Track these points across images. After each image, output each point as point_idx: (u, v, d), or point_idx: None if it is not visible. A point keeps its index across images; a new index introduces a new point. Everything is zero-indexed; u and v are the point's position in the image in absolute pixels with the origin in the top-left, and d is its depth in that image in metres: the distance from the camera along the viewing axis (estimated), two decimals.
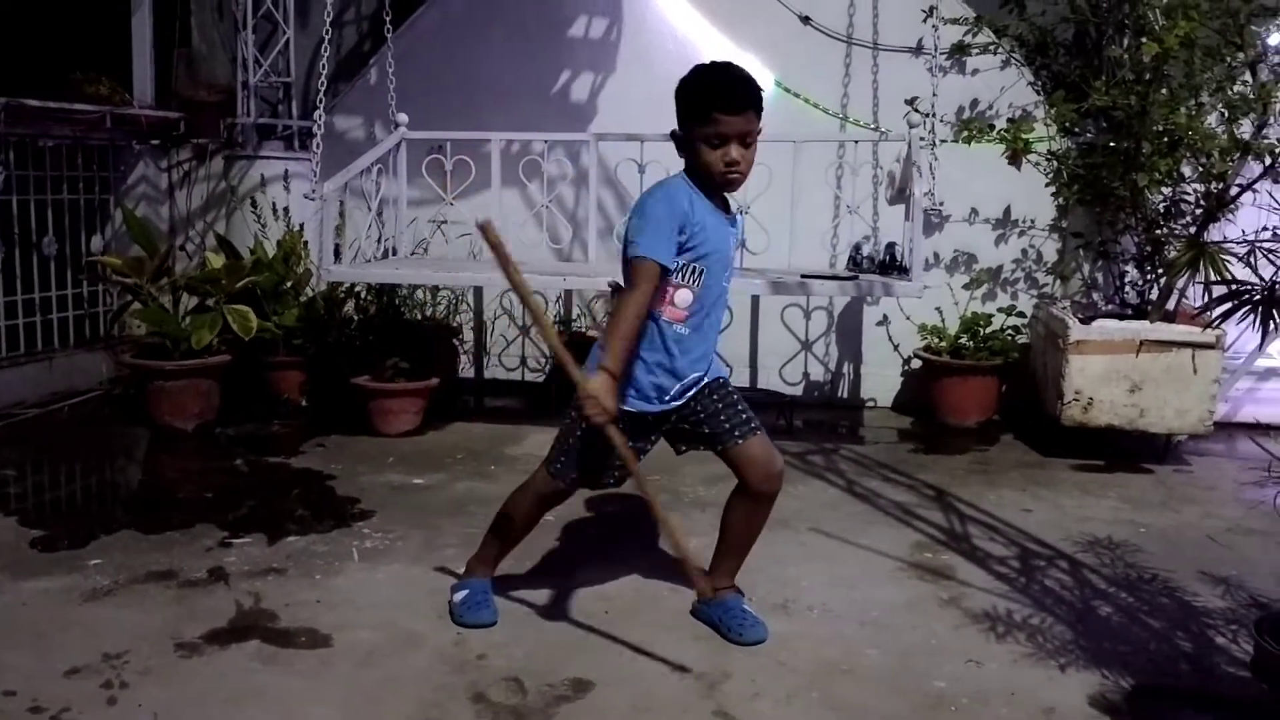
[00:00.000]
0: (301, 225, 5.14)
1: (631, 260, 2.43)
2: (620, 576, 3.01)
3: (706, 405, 2.61)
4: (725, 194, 2.57)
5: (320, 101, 4.64)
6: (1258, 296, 1.95)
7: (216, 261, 4.92)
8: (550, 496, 2.70)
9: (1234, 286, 2.03)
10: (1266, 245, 2.03)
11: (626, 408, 2.51)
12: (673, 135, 2.54)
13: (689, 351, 2.53)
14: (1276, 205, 2.20)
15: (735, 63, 2.54)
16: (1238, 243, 2.28)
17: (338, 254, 4.79)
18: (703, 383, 2.60)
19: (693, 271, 2.48)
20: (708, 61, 2.56)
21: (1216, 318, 2.18)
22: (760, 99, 2.48)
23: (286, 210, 5.29)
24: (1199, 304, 4.18)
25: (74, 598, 2.82)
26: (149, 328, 4.82)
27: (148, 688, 2.34)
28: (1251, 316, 1.99)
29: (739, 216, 2.68)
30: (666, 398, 2.56)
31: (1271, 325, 2.01)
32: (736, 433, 2.59)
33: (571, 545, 3.28)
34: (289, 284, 5.04)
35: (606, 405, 2.35)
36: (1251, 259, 2.03)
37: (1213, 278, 3.25)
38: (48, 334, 5.17)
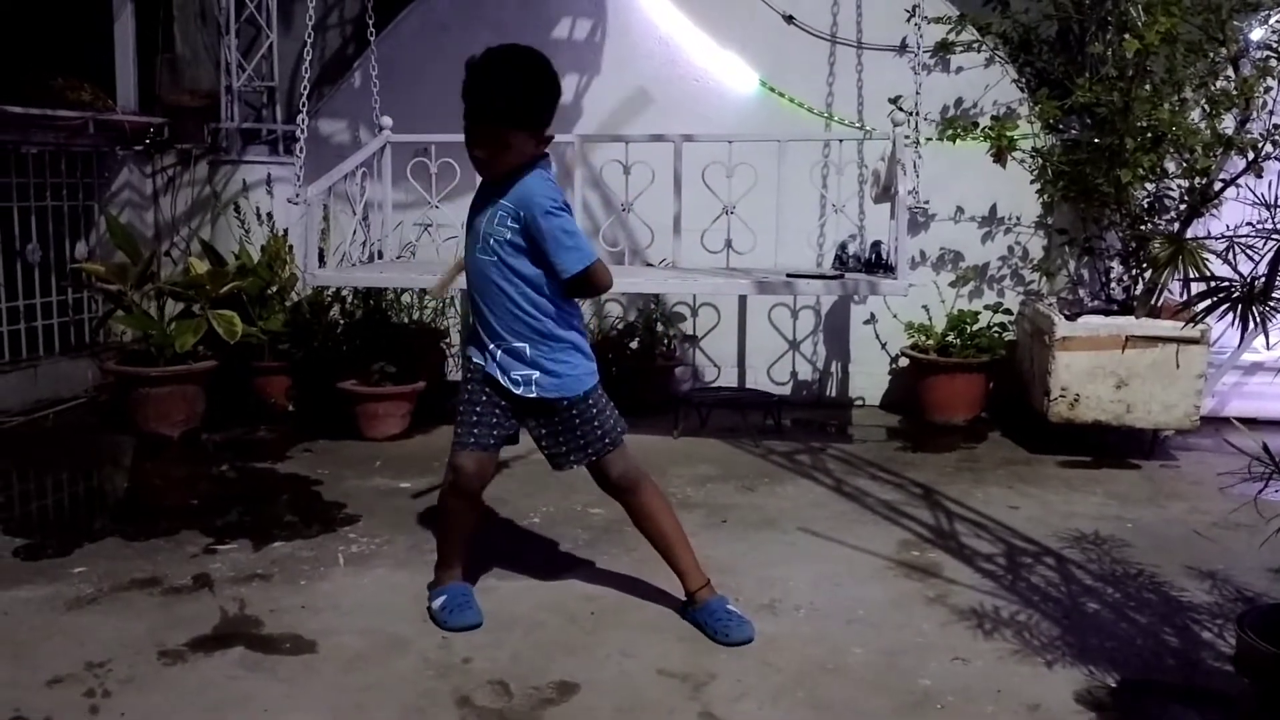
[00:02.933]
0: (286, 230, 5.13)
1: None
2: (605, 578, 3.01)
3: (548, 427, 2.66)
4: (496, 177, 2.59)
5: (304, 105, 4.62)
6: (1236, 293, 1.96)
7: (200, 267, 4.90)
8: (466, 472, 2.67)
9: (1213, 283, 2.04)
10: (1245, 241, 2.03)
11: (473, 360, 2.70)
12: None
13: (477, 323, 2.66)
14: (1258, 200, 2.19)
15: (511, 59, 2.54)
16: (1217, 239, 2.27)
17: (323, 258, 4.78)
18: (533, 392, 2.60)
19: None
20: (497, 50, 2.57)
21: (1198, 313, 2.18)
22: (500, 112, 2.48)
23: (271, 215, 5.28)
24: (1181, 299, 4.20)
25: (57, 606, 2.80)
26: (134, 334, 4.80)
27: (130, 696, 2.33)
28: (1231, 313, 1.99)
29: (520, 188, 2.54)
30: (484, 360, 2.64)
31: (1251, 322, 2.01)
32: (573, 458, 2.68)
33: (556, 548, 3.28)
34: (274, 289, 5.02)
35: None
36: (1230, 255, 2.03)
37: (1193, 274, 3.26)
38: (32, 341, 5.14)
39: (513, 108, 2.49)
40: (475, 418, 2.65)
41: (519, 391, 2.60)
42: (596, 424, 2.64)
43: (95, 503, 3.99)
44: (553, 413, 2.62)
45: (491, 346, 2.62)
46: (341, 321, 5.12)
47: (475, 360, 2.67)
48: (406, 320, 5.25)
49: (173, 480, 4.08)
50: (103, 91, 5.43)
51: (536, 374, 2.59)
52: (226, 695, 2.34)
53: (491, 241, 2.56)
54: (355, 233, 4.77)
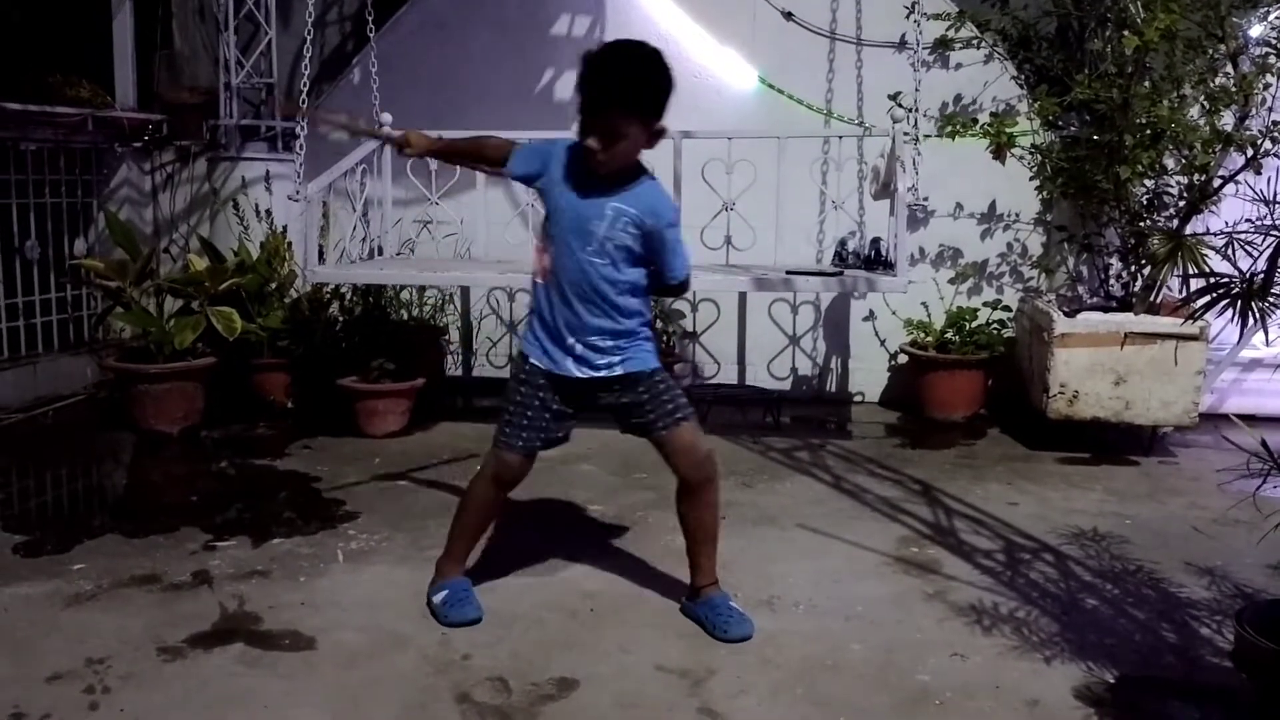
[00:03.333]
0: (285, 227, 5.12)
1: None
2: (604, 574, 3.01)
3: (630, 398, 2.63)
4: (610, 172, 2.53)
5: (303, 102, 4.62)
6: (1236, 289, 1.96)
7: (200, 264, 4.90)
8: (503, 473, 2.68)
9: (1211, 279, 2.04)
10: (1244, 237, 2.03)
11: (529, 357, 2.64)
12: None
13: (554, 314, 2.58)
14: (1257, 196, 2.19)
15: (638, 54, 2.49)
16: (1216, 235, 2.27)
17: (322, 255, 4.77)
18: (616, 371, 2.60)
19: (548, 235, 2.59)
20: (624, 43, 2.54)
21: (1196, 310, 2.18)
22: (629, 100, 2.44)
23: (270, 212, 5.27)
24: (1180, 296, 4.20)
25: (56, 603, 2.80)
26: (133, 331, 4.80)
27: (130, 693, 2.33)
28: (1230, 309, 1.99)
29: (644, 196, 2.54)
30: (557, 358, 2.60)
31: (1250, 318, 2.01)
32: (660, 424, 2.63)
33: (555, 544, 3.27)
34: (273, 285, 5.02)
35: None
36: (1230, 251, 2.03)
37: (1192, 271, 3.26)
38: (31, 338, 5.14)
39: (629, 95, 2.45)
40: (526, 420, 2.64)
41: (603, 374, 2.60)
42: (677, 391, 2.67)
43: (94, 500, 3.98)
44: (638, 383, 2.62)
45: (571, 340, 2.58)
46: (341, 318, 5.12)
47: (538, 362, 2.62)
48: (406, 317, 5.25)
49: (172, 477, 4.08)
50: (101, 88, 5.42)
51: (618, 357, 2.61)
52: (226, 692, 2.35)
53: (609, 246, 2.53)
54: (355, 229, 4.77)
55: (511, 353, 5.58)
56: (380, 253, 5.03)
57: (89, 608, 2.78)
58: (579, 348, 2.59)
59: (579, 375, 2.60)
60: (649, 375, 2.64)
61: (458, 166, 4.16)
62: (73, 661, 2.46)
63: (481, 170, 2.99)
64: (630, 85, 2.46)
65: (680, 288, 2.71)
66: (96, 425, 4.76)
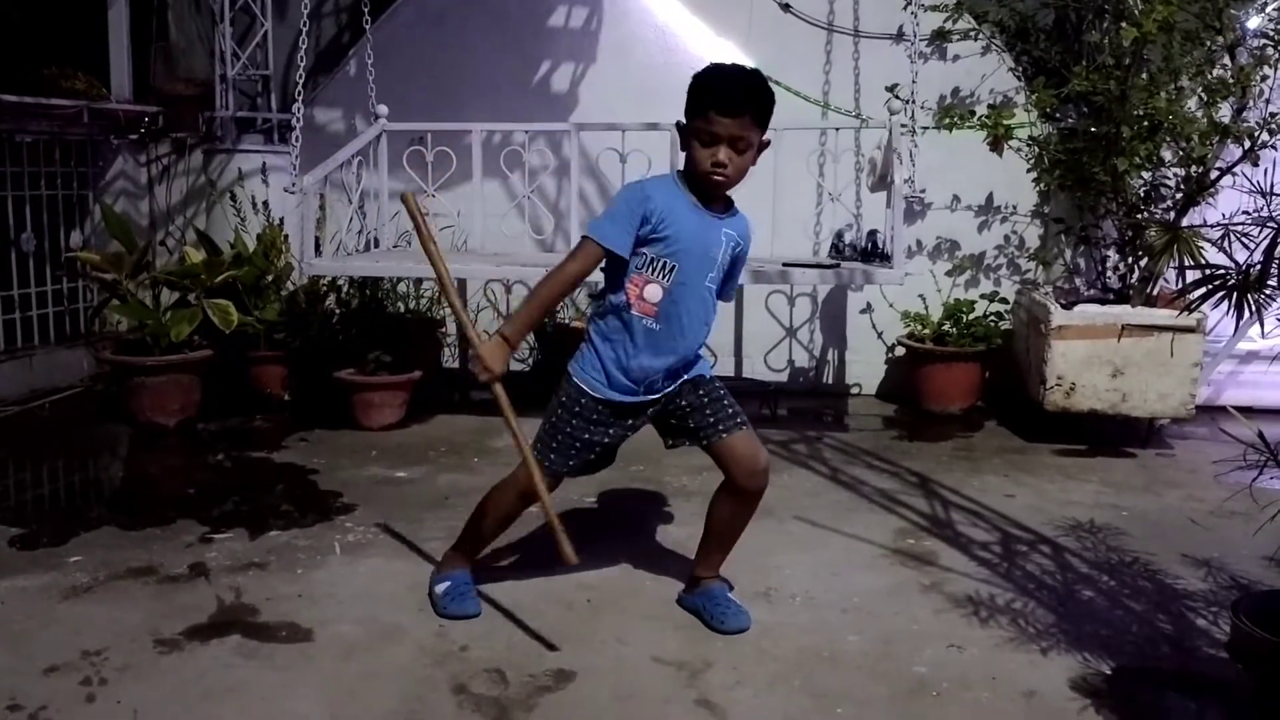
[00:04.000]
0: (282, 219, 5.11)
1: (582, 237, 2.52)
2: (601, 566, 3.01)
3: (691, 400, 2.61)
4: (722, 194, 2.54)
5: (299, 94, 4.61)
6: (1232, 281, 1.96)
7: (196, 256, 4.89)
8: (532, 494, 2.65)
9: (1207, 271, 2.04)
10: (1240, 229, 2.03)
11: (589, 391, 2.56)
12: (678, 125, 2.54)
13: (656, 347, 2.52)
14: (1254, 189, 2.19)
15: (755, 69, 2.51)
16: (1212, 227, 2.27)
17: (319, 247, 4.77)
18: (681, 379, 2.60)
19: (662, 266, 2.48)
20: (727, 62, 2.55)
21: (1192, 301, 2.18)
22: (763, 106, 2.46)
23: (266, 204, 5.27)
24: (1177, 287, 4.20)
25: (53, 595, 2.80)
26: (129, 323, 4.79)
27: (127, 684, 2.33)
28: (1226, 301, 1.99)
29: (741, 220, 2.60)
30: (631, 389, 2.56)
31: (1246, 310, 2.01)
32: (721, 428, 2.59)
33: (551, 536, 3.27)
34: (270, 278, 5.01)
35: (491, 366, 2.45)
36: (1226, 243, 2.03)
37: (1188, 263, 3.26)
38: (27, 331, 5.13)
39: (760, 106, 2.46)
40: (574, 451, 2.60)
41: (690, 375, 2.61)
42: (733, 398, 2.67)
43: (91, 492, 3.98)
44: (701, 386, 2.62)
45: (674, 363, 2.56)
46: (337, 311, 5.11)
47: (602, 395, 2.56)
48: (403, 309, 5.25)
49: (169, 469, 4.08)
50: (97, 81, 5.40)
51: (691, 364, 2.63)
52: (223, 683, 2.35)
53: (718, 269, 2.56)
54: (351, 221, 4.77)
55: None
56: (377, 245, 5.03)
57: (86, 600, 2.78)
58: (660, 380, 2.58)
59: (646, 399, 2.59)
60: (709, 380, 2.64)
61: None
62: (69, 653, 2.46)
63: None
64: (760, 96, 2.46)
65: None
66: (93, 418, 4.76)
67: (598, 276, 2.60)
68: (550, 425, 2.60)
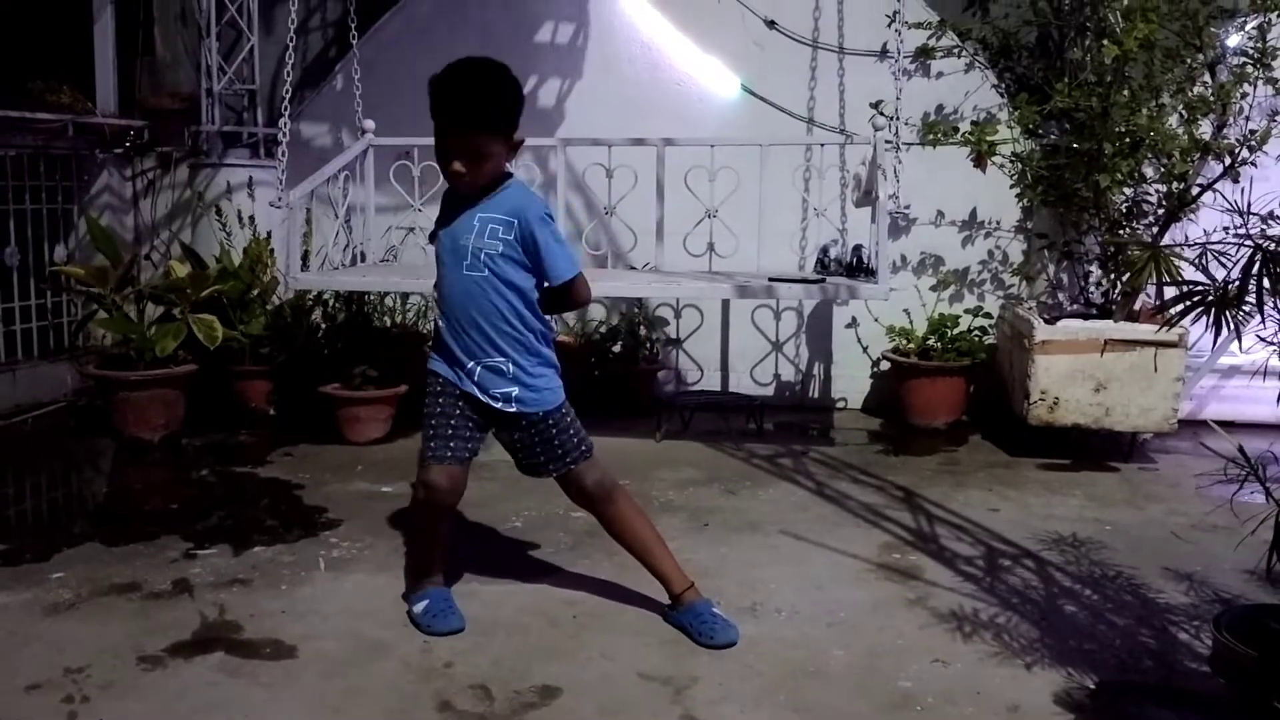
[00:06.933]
0: (268, 233, 5.11)
1: None
2: (586, 582, 3.01)
3: (523, 437, 2.66)
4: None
5: (285, 108, 4.61)
6: (1210, 297, 1.98)
7: (181, 270, 4.88)
8: (441, 488, 2.66)
9: (1185, 288, 2.06)
10: (1217, 247, 2.06)
11: (432, 367, 2.69)
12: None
13: (448, 339, 2.62)
14: (1230, 206, 2.21)
15: (490, 66, 2.52)
16: (1190, 245, 2.30)
17: (305, 262, 4.76)
18: (512, 408, 2.61)
19: (438, 260, 2.63)
20: (470, 59, 2.54)
21: (1170, 318, 2.20)
22: (489, 115, 2.48)
23: (252, 218, 5.26)
24: (1157, 303, 4.23)
25: (35, 612, 2.78)
26: (113, 338, 4.77)
27: (109, 702, 2.32)
28: (1205, 317, 2.01)
29: (507, 197, 2.57)
30: (448, 367, 2.64)
31: (1225, 327, 2.03)
32: (552, 468, 2.69)
33: (537, 552, 3.28)
34: (255, 292, 5.01)
35: None
36: (1203, 260, 2.05)
37: (1166, 279, 3.28)
38: (10, 345, 5.10)
39: (489, 114, 2.49)
40: (450, 431, 2.64)
41: (498, 406, 2.61)
42: (571, 432, 2.67)
43: (74, 507, 3.96)
44: (530, 425, 2.64)
45: (470, 365, 2.60)
46: (323, 325, 5.10)
47: (446, 376, 2.65)
48: (389, 324, 5.24)
49: (153, 485, 4.06)
50: (82, 94, 5.39)
51: (516, 389, 2.61)
52: (206, 700, 2.34)
53: (483, 255, 2.54)
54: (337, 236, 4.76)
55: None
56: (363, 259, 5.02)
57: (68, 617, 2.76)
58: (478, 371, 2.61)
59: (480, 399, 2.62)
60: (540, 419, 2.64)
61: None
62: (51, 671, 2.45)
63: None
64: (487, 104, 2.48)
65: (565, 294, 2.63)
66: (77, 432, 4.74)
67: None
68: (424, 415, 2.68)
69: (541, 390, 2.64)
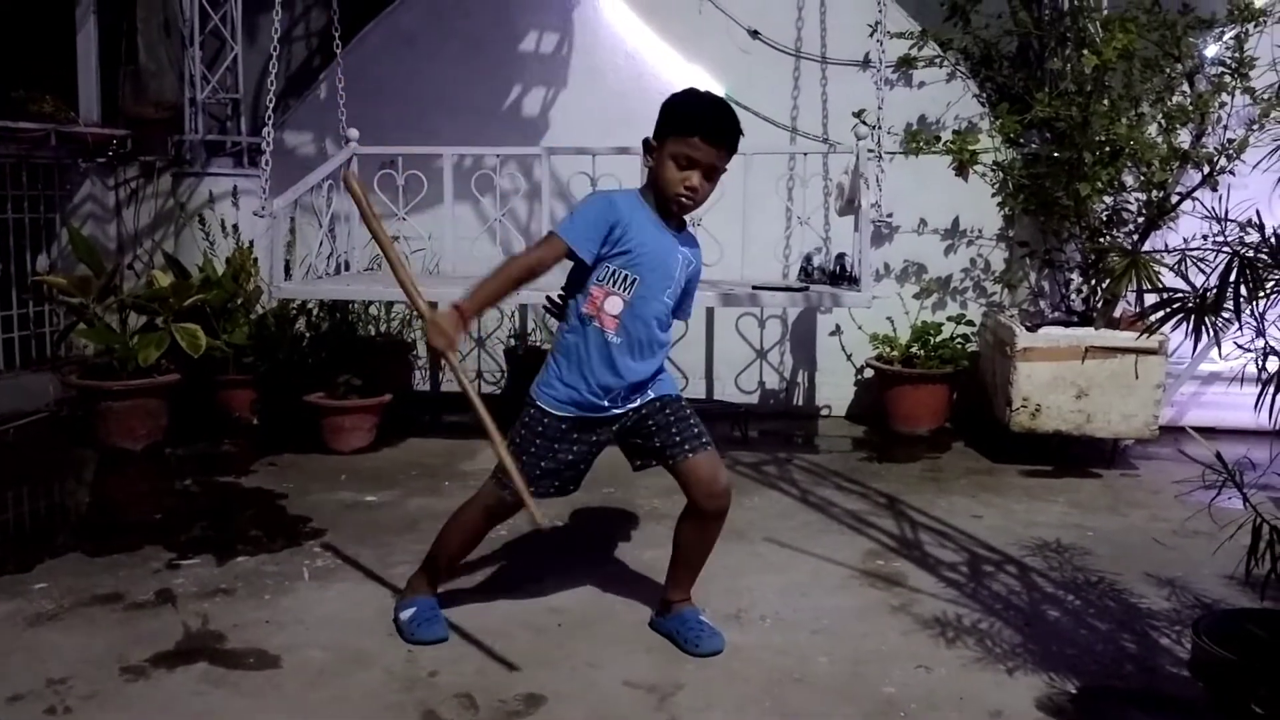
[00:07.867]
0: (251, 242, 5.10)
1: (549, 233, 2.54)
2: (572, 590, 3.01)
3: (657, 419, 2.62)
4: (680, 216, 2.59)
5: (269, 118, 4.61)
6: (1190, 304, 2.00)
7: (164, 280, 4.87)
8: (498, 510, 2.67)
9: (1165, 295, 2.08)
10: (1196, 254, 2.08)
11: (550, 410, 2.57)
12: (645, 142, 2.57)
13: (617, 360, 2.53)
14: (1208, 214, 2.24)
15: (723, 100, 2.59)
16: (1170, 252, 2.32)
17: (288, 271, 4.75)
18: (649, 397, 2.61)
19: (624, 279, 2.51)
20: (702, 90, 2.63)
21: (1150, 325, 2.22)
22: (737, 142, 2.53)
23: (236, 227, 5.25)
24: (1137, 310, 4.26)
25: (18, 622, 2.77)
26: (96, 347, 4.75)
27: (92, 713, 2.31)
28: (1184, 324, 2.03)
29: (694, 240, 2.66)
30: (594, 404, 2.56)
31: (1204, 334, 2.05)
32: (686, 446, 2.60)
33: (522, 559, 3.27)
34: (239, 301, 4.99)
35: (448, 334, 2.44)
36: (1182, 267, 2.08)
37: (1146, 287, 3.32)
38: None
39: (737, 137, 2.54)
40: (542, 471, 2.59)
41: (655, 393, 2.61)
42: (698, 419, 2.67)
43: (57, 518, 3.94)
44: (665, 407, 2.62)
45: (620, 388, 2.56)
46: (307, 334, 5.09)
47: (563, 414, 2.57)
48: (373, 333, 5.24)
49: (135, 495, 4.04)
50: (65, 103, 5.37)
51: (651, 390, 2.63)
52: (190, 711, 2.33)
53: (675, 285, 2.58)
54: (321, 245, 4.76)
55: (480, 367, 5.58)
56: (347, 268, 5.02)
57: (51, 627, 2.75)
58: (624, 393, 2.58)
59: (614, 412, 2.60)
60: (675, 399, 2.65)
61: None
62: (34, 682, 2.43)
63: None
64: (738, 130, 2.53)
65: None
66: (59, 443, 4.70)
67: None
68: (514, 448, 2.56)
69: (669, 379, 2.69)
